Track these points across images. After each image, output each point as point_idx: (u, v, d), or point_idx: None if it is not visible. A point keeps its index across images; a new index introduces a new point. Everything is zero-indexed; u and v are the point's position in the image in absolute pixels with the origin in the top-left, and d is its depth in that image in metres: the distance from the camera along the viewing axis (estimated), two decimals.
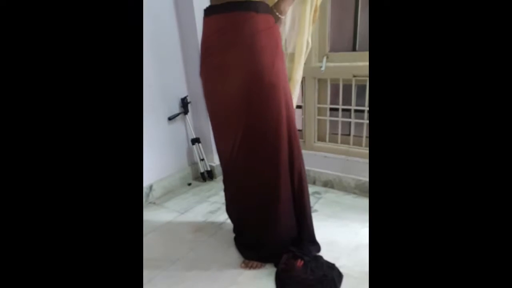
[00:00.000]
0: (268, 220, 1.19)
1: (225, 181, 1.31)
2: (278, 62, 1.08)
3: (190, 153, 2.08)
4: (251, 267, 1.26)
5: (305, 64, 1.76)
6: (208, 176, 2.06)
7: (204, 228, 1.55)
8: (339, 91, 1.74)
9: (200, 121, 2.04)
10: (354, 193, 1.77)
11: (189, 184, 2.04)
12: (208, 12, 1.08)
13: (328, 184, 1.86)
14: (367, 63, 1.60)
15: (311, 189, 1.87)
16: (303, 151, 1.90)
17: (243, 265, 1.27)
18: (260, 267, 1.26)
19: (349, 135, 1.79)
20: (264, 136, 1.10)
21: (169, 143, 1.94)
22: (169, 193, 1.94)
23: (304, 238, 1.26)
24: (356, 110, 1.73)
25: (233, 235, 1.44)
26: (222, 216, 1.62)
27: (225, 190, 1.34)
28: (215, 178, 2.09)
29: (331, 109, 1.81)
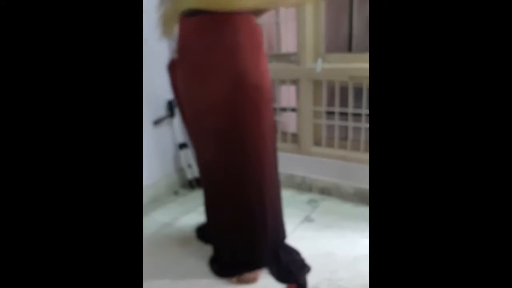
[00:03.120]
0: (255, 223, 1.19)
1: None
2: (262, 63, 1.07)
3: (177, 159, 2.03)
4: (243, 281, 1.21)
5: (299, 65, 1.76)
6: (196, 183, 2.01)
7: (192, 241, 1.50)
8: (335, 93, 1.71)
9: None
10: (353, 200, 1.74)
11: (176, 193, 1.99)
12: (185, 13, 1.05)
13: (325, 191, 1.83)
14: (363, 65, 1.59)
15: (307, 196, 1.84)
16: (298, 156, 1.89)
17: (234, 280, 1.23)
18: (253, 282, 1.22)
19: (346, 139, 1.76)
20: (246, 138, 1.09)
21: (154, 148, 1.90)
22: (154, 202, 1.88)
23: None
24: (353, 114, 1.70)
25: None
26: None
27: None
28: None
29: (327, 112, 1.79)
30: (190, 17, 1.03)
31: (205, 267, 1.31)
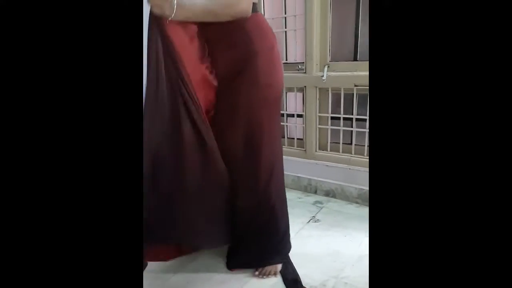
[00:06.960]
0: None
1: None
2: (275, 63, 1.15)
3: None
4: (264, 274, 1.28)
5: (306, 73, 1.84)
6: None
7: None
8: (340, 100, 1.79)
9: None
10: (357, 202, 1.82)
11: None
12: None
13: (330, 193, 1.91)
14: (368, 73, 1.66)
15: (312, 198, 1.92)
16: (304, 160, 1.97)
17: (256, 273, 1.29)
18: (274, 275, 1.28)
19: (350, 144, 1.84)
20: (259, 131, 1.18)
21: None
22: None
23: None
24: (357, 119, 1.78)
25: None
26: None
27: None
28: None
29: (332, 118, 1.87)
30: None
31: (221, 260, 1.37)
